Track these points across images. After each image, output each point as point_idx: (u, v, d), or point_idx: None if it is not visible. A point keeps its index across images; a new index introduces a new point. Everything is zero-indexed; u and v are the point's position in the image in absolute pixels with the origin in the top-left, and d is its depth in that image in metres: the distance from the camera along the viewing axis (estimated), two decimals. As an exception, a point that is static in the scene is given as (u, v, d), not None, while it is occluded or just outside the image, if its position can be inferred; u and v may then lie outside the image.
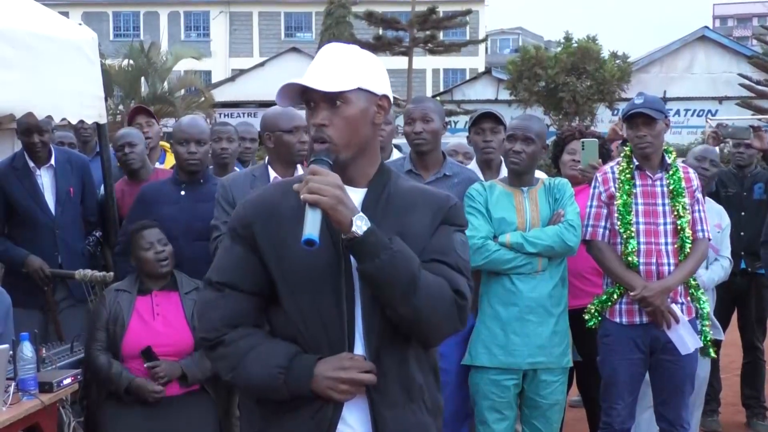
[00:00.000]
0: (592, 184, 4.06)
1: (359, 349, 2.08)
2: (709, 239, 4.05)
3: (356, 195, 2.09)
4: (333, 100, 2.06)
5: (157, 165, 5.41)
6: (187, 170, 4.28)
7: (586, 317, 3.98)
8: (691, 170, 4.09)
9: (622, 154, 4.04)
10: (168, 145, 5.88)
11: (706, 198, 4.88)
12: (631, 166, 3.95)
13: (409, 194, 2.17)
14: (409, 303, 2.01)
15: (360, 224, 1.96)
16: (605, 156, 4.50)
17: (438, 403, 2.23)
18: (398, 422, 2.09)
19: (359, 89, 2.08)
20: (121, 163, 4.97)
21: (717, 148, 5.63)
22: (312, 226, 1.94)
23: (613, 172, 3.97)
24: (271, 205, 2.13)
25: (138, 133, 5.08)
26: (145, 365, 3.86)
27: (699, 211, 3.99)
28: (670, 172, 3.95)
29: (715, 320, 4.84)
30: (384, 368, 2.08)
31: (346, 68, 2.09)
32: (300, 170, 4.07)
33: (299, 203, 1.98)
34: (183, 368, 3.89)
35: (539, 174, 4.12)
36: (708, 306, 4.06)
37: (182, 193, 4.27)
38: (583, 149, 4.45)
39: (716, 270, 4.73)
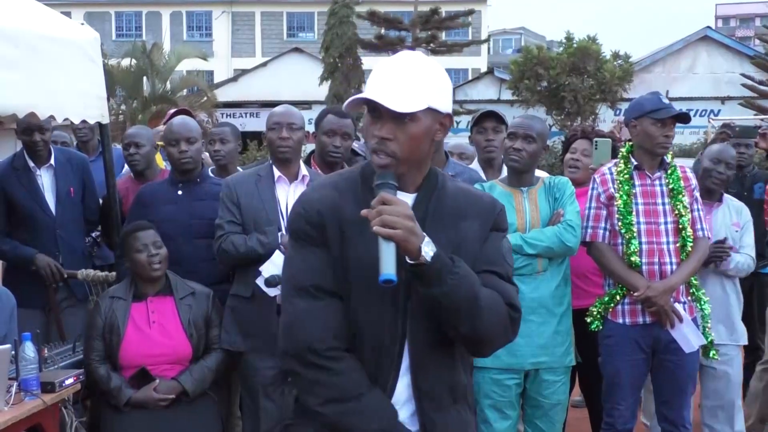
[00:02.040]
0: (591, 185, 4.03)
1: (406, 359, 2.10)
2: (709, 238, 4.03)
3: (405, 200, 2.09)
4: (402, 116, 2.03)
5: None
6: (181, 169, 4.28)
7: (589, 320, 3.97)
8: (688, 169, 4.07)
9: (619, 155, 4.02)
10: None
11: (725, 195, 4.74)
12: (629, 166, 3.92)
13: (458, 198, 2.18)
14: (470, 323, 2.04)
15: (427, 250, 1.97)
16: (617, 156, 4.48)
17: (473, 400, 2.29)
18: (445, 423, 2.14)
19: (428, 108, 2.06)
20: (127, 163, 4.96)
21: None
22: (388, 264, 1.94)
23: (611, 173, 3.95)
24: (334, 206, 2.12)
25: (147, 133, 5.00)
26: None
27: (698, 210, 3.97)
28: (669, 171, 3.93)
29: (741, 325, 4.62)
30: (435, 374, 2.11)
31: (419, 85, 2.05)
32: (303, 168, 4.06)
33: (359, 208, 2.01)
34: (183, 385, 3.88)
35: (540, 173, 4.11)
36: (708, 306, 4.01)
37: (179, 192, 4.27)
38: (595, 149, 4.42)
39: (745, 258, 4.48)
